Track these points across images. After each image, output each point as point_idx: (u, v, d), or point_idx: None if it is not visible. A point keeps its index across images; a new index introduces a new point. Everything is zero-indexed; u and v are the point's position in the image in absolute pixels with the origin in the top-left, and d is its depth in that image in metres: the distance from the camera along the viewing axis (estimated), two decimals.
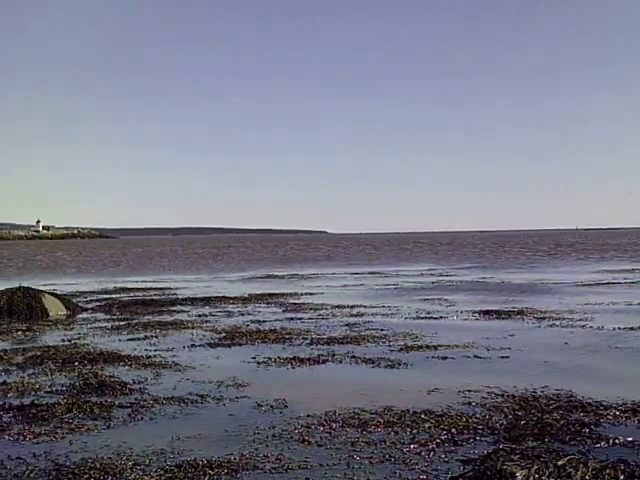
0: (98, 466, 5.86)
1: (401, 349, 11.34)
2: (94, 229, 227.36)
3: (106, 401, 8.06)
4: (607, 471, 5.34)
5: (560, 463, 5.48)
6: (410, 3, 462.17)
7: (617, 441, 6.36)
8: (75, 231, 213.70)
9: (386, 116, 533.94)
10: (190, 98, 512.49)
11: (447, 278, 30.58)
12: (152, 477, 5.64)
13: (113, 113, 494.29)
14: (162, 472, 5.75)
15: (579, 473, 5.32)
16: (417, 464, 5.84)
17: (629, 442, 6.32)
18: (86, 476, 5.66)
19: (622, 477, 5.29)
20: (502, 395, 8.05)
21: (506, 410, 7.38)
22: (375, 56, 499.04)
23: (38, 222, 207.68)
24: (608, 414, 7.19)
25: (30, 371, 9.94)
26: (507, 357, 10.64)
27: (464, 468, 5.79)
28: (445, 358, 10.56)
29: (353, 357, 10.67)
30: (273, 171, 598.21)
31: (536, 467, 5.45)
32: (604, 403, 7.57)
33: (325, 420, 7.15)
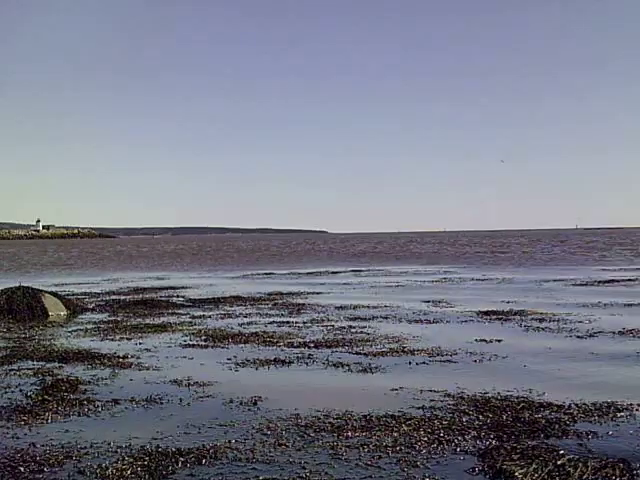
0: (54, 455, 5.98)
1: (384, 353, 11.15)
2: (94, 229, 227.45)
3: (62, 399, 8.10)
4: (606, 470, 5.36)
5: (560, 462, 5.49)
6: (410, 3, 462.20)
7: (568, 440, 6.37)
8: (75, 230, 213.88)
9: (386, 116, 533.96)
10: (190, 98, 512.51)
11: (449, 277, 30.60)
12: (124, 464, 5.68)
13: (113, 112, 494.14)
14: (132, 460, 5.79)
15: (577, 472, 5.34)
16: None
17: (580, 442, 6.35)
18: (51, 460, 5.78)
19: (621, 476, 5.30)
20: (467, 398, 7.98)
21: (470, 412, 7.34)
22: (375, 56, 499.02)
23: (38, 221, 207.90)
24: (568, 413, 7.22)
25: None
26: (482, 360, 10.55)
27: (461, 462, 5.80)
28: (424, 363, 10.38)
29: (329, 361, 10.51)
30: (273, 170, 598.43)
31: (535, 466, 5.46)
32: (565, 404, 7.60)
33: (295, 421, 7.11)
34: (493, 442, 6.27)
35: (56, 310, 17.41)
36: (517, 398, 7.94)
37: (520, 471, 5.40)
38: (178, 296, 22.38)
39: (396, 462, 5.84)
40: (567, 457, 5.62)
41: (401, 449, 6.16)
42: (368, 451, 6.13)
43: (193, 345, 12.23)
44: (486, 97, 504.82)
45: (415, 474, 5.55)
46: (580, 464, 5.44)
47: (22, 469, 5.73)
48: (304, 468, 5.70)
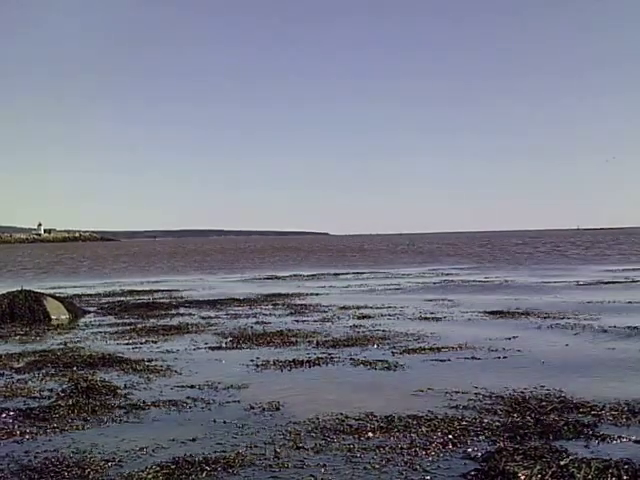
0: (89, 463, 5.92)
1: (402, 351, 11.23)
2: (95, 232, 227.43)
3: (96, 404, 8.04)
4: (610, 471, 5.33)
5: (563, 463, 5.47)
6: (411, 3, 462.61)
7: (611, 441, 6.36)
8: (76, 234, 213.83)
9: (387, 116, 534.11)
10: (191, 100, 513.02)
11: (453, 278, 30.56)
12: (149, 473, 5.64)
13: (113, 114, 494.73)
14: (158, 469, 5.74)
15: (582, 473, 5.32)
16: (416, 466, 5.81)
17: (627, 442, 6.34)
18: (79, 471, 5.71)
19: (625, 477, 5.28)
20: (497, 397, 8.01)
21: (500, 412, 7.35)
22: (374, 56, 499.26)
23: (39, 225, 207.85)
24: (602, 414, 7.19)
25: (21, 376, 9.86)
26: (505, 358, 10.61)
27: (465, 465, 5.79)
28: (444, 360, 10.46)
29: (352, 360, 10.58)
30: (274, 173, 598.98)
31: (539, 467, 5.44)
32: (598, 404, 7.56)
33: (317, 423, 7.11)
34: (507, 443, 6.23)
35: (58, 314, 17.40)
36: (541, 397, 7.91)
37: (523, 472, 5.39)
38: (179, 299, 22.34)
39: (403, 465, 5.82)
40: (570, 458, 5.60)
41: (416, 451, 6.15)
42: (384, 453, 6.13)
43: (215, 347, 12.17)
44: (486, 97, 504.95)
45: (414, 477, 5.54)
46: (584, 465, 5.41)
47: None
48: (312, 476, 5.66)
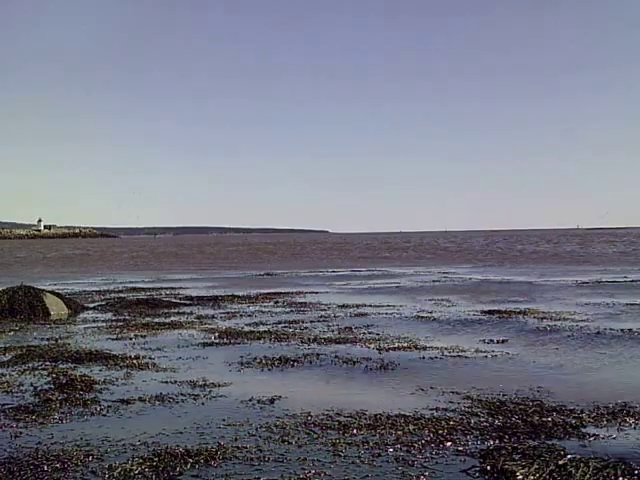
0: (69, 455, 5.95)
1: (392, 350, 11.26)
2: (95, 228, 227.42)
3: (77, 398, 8.08)
4: (607, 470, 5.35)
5: (561, 462, 5.48)
6: (410, 3, 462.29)
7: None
8: (76, 230, 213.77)
9: (387, 116, 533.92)
10: (191, 97, 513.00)
11: (451, 277, 30.54)
12: (132, 465, 5.67)
13: (113, 112, 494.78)
14: (141, 461, 5.77)
15: (579, 472, 5.33)
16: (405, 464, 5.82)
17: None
18: (55, 465, 5.72)
19: (622, 477, 5.29)
20: (483, 398, 8.02)
21: (481, 413, 7.36)
22: (375, 56, 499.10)
23: (39, 221, 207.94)
24: (585, 417, 7.22)
25: (2, 370, 9.89)
26: (494, 357, 10.63)
27: (464, 461, 5.80)
28: (433, 358, 10.50)
29: (338, 357, 10.59)
30: (274, 170, 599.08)
31: (536, 466, 5.46)
32: (579, 406, 7.62)
33: (305, 419, 7.15)
34: (496, 443, 6.25)
35: (58, 309, 17.43)
36: (528, 399, 7.93)
37: (521, 471, 5.40)
38: (178, 295, 22.36)
39: (394, 460, 5.85)
40: (568, 457, 5.61)
41: (401, 447, 6.18)
42: (367, 448, 6.18)
43: (205, 344, 12.21)
44: (486, 97, 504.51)
45: (411, 472, 5.55)
46: (582, 464, 5.43)
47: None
48: (293, 469, 5.69)
